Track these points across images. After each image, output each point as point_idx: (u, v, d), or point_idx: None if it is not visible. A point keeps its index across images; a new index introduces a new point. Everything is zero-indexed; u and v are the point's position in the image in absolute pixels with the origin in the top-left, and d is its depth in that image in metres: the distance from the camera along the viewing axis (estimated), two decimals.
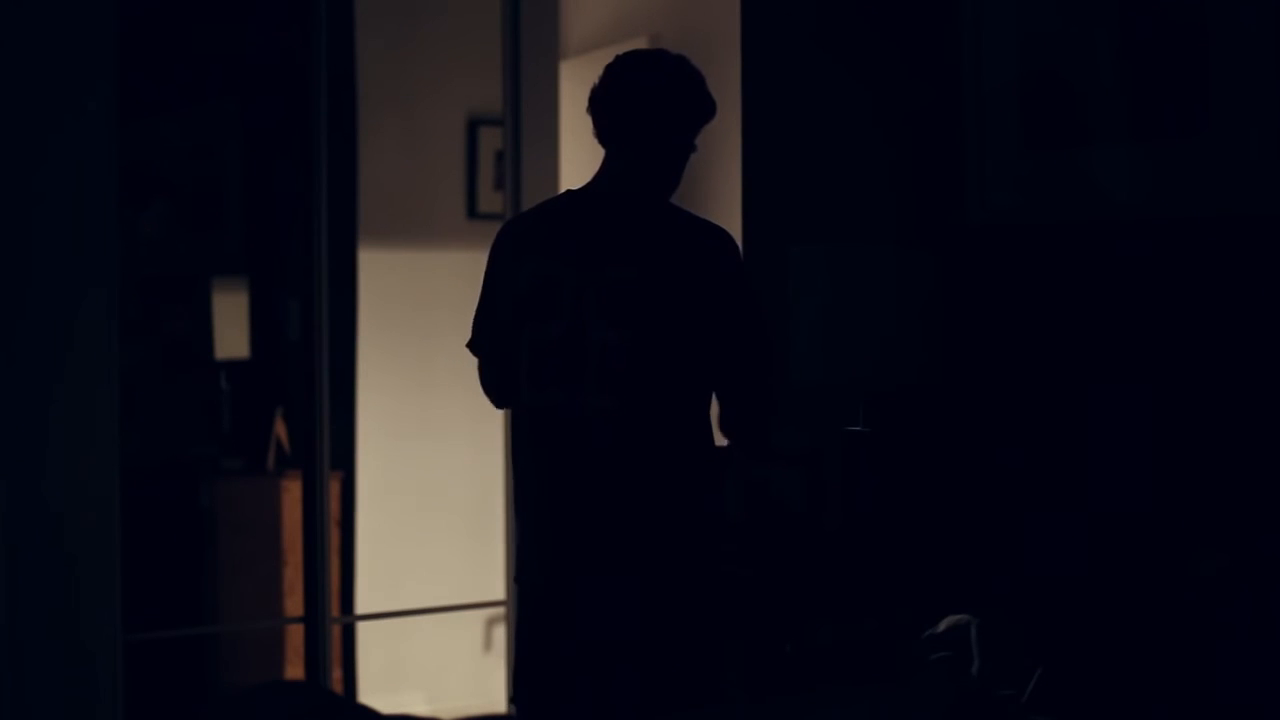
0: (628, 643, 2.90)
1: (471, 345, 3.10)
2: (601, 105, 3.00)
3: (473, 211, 5.85)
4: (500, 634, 5.70)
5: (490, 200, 5.78)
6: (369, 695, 5.53)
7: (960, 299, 3.35)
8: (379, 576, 5.73)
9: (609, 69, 3.01)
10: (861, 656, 2.97)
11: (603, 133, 3.01)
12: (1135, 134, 3.06)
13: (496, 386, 3.10)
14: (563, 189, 3.18)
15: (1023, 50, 3.24)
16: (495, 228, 3.23)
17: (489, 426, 5.29)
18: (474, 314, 3.09)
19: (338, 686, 5.47)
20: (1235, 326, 2.91)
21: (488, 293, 3.06)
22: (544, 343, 2.93)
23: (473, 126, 5.82)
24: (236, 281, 5.84)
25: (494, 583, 5.58)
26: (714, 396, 3.01)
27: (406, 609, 5.59)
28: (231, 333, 5.78)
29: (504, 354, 3.02)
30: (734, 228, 3.87)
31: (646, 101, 2.97)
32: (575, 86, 5.24)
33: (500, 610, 5.59)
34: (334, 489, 5.46)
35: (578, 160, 5.09)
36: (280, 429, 5.73)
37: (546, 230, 3.00)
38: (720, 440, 3.07)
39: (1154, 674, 2.66)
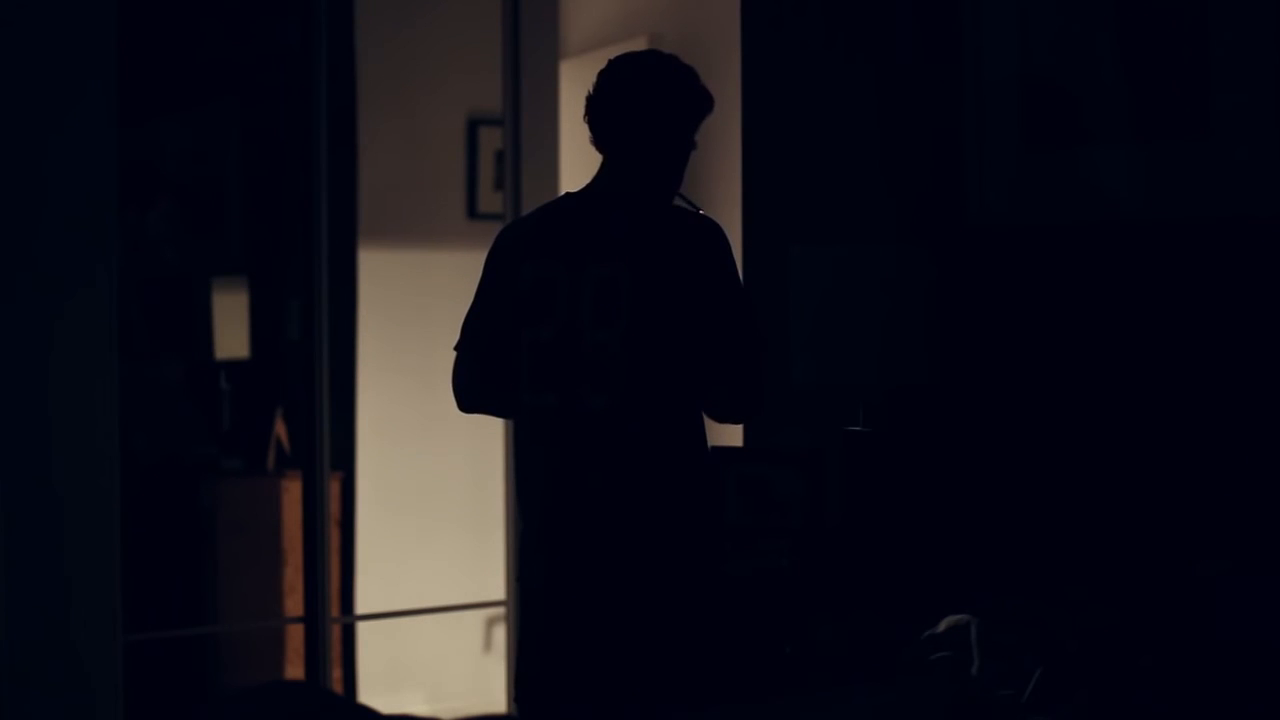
0: (629, 643, 2.90)
1: (458, 346, 3.10)
2: (598, 113, 3.01)
3: (473, 211, 5.85)
4: (500, 634, 5.70)
5: (490, 200, 5.78)
6: (369, 695, 5.53)
7: (960, 299, 3.35)
8: (379, 576, 5.73)
9: (602, 76, 3.02)
10: (861, 656, 2.97)
11: (601, 139, 3.02)
12: (1135, 134, 3.06)
13: (472, 389, 3.09)
14: (563, 189, 3.19)
15: (1023, 50, 3.24)
16: (495, 228, 3.23)
17: (489, 426, 5.29)
18: (465, 316, 3.09)
19: (338, 686, 5.47)
20: (1235, 327, 2.91)
21: (481, 295, 3.06)
22: (541, 344, 2.94)
23: (473, 126, 5.82)
24: (236, 281, 5.84)
25: (494, 583, 5.58)
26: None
27: (406, 609, 5.59)
28: (231, 333, 5.78)
29: (489, 357, 3.02)
30: (734, 228, 3.87)
31: (642, 105, 2.98)
32: (575, 86, 5.23)
33: (500, 610, 5.59)
34: (334, 489, 5.46)
35: (578, 160, 5.09)
36: (280, 429, 5.73)
37: (543, 233, 3.01)
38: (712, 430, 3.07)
39: (1154, 674, 2.66)
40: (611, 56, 3.05)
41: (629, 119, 2.99)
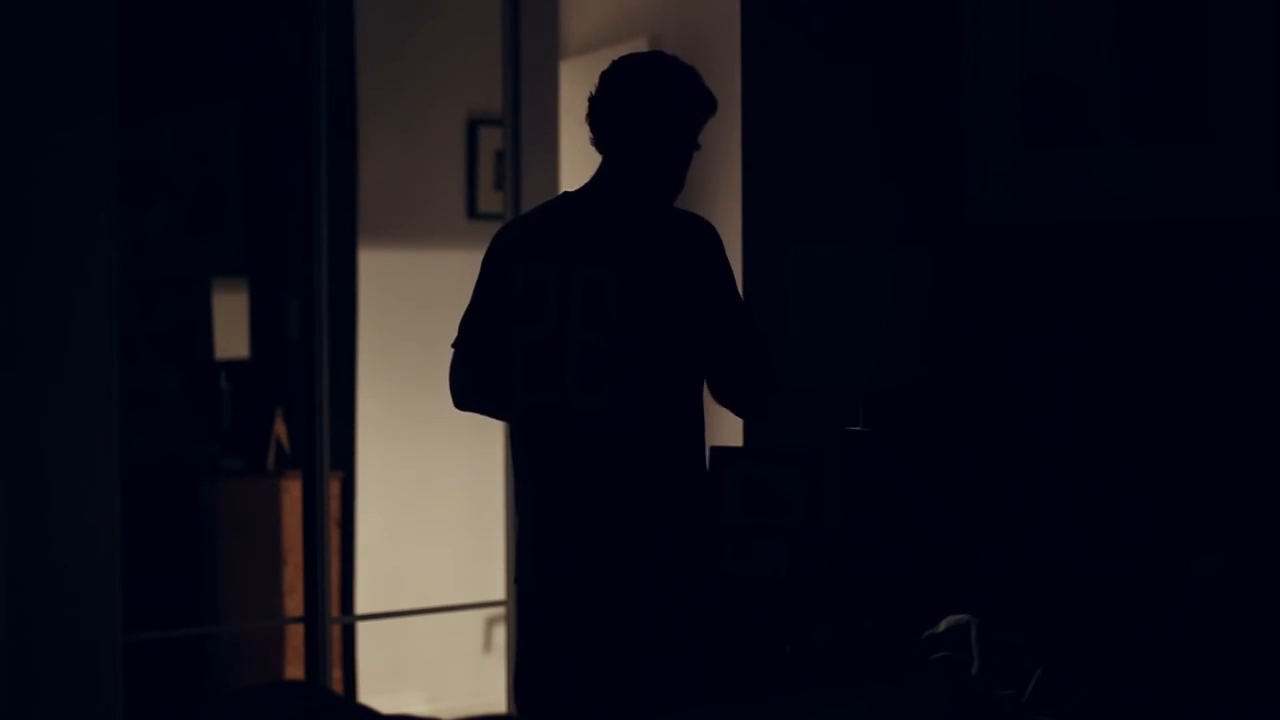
0: (628, 644, 2.90)
1: (455, 344, 3.10)
2: (599, 113, 3.00)
3: (473, 211, 5.85)
4: (500, 634, 5.70)
5: (490, 200, 5.78)
6: (369, 695, 5.53)
7: (960, 299, 3.35)
8: (379, 576, 5.73)
9: (603, 76, 3.02)
10: (861, 656, 2.97)
11: (600, 139, 3.02)
12: (1135, 134, 3.06)
13: (466, 388, 3.09)
14: (562, 189, 3.19)
15: (1023, 50, 3.24)
16: (495, 228, 3.24)
17: (489, 425, 5.28)
18: (463, 314, 3.09)
19: (338, 686, 5.48)
20: (1235, 327, 2.91)
21: (477, 294, 3.06)
22: (533, 345, 2.94)
23: (473, 126, 5.82)
24: (236, 281, 5.84)
25: (494, 583, 5.58)
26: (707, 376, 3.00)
27: (406, 609, 5.59)
28: (231, 333, 5.79)
29: (485, 356, 3.02)
30: (734, 228, 3.87)
31: (640, 106, 2.98)
32: (575, 86, 5.24)
33: (500, 610, 5.59)
34: (334, 489, 5.46)
35: (578, 160, 5.09)
36: (280, 429, 5.74)
37: (538, 233, 3.01)
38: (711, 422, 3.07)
39: (1153, 674, 2.66)
40: (612, 57, 3.05)
41: (626, 119, 2.99)
